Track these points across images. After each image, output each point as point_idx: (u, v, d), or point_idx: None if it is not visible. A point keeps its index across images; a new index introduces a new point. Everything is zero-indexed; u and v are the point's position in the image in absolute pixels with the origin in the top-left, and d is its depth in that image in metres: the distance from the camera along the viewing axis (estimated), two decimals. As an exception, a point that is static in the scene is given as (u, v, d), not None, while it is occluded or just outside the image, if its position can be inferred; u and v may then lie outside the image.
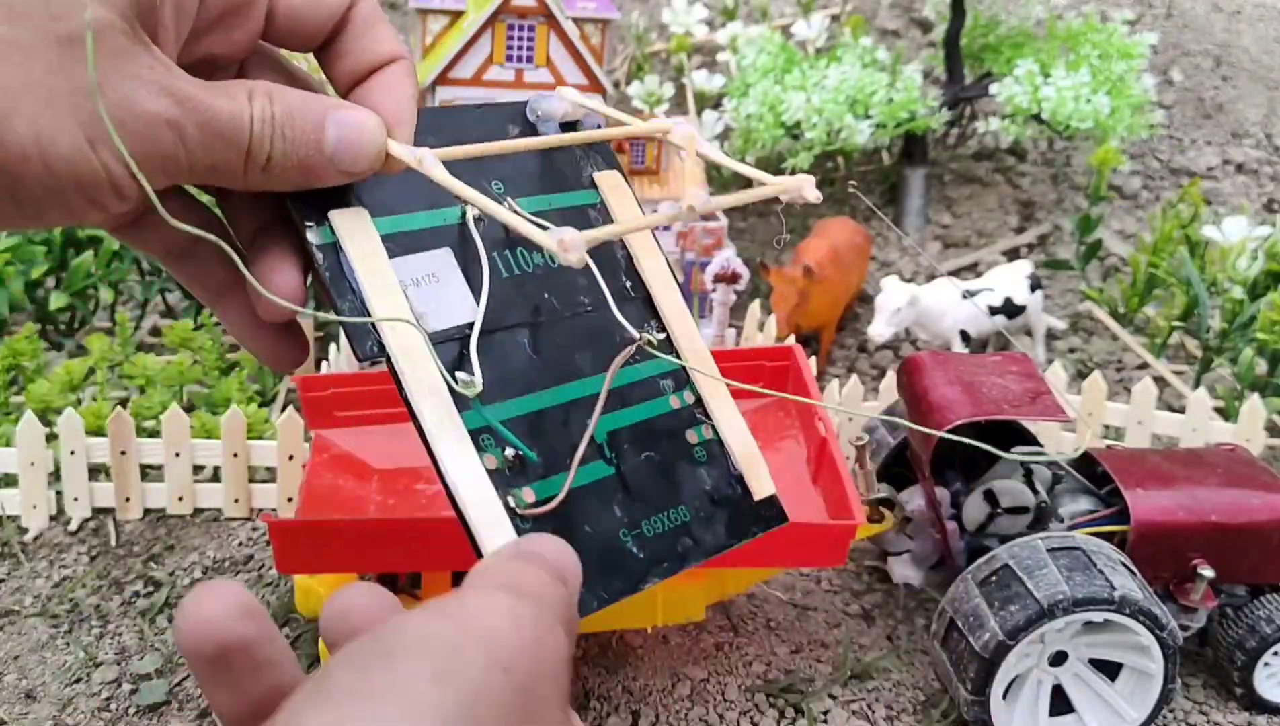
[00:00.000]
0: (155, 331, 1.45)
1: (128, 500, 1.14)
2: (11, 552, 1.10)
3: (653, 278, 0.48)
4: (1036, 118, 1.61)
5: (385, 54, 0.44)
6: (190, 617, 0.30)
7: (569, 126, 0.50)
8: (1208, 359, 1.38)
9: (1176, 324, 1.43)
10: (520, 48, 1.32)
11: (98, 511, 1.15)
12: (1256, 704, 0.98)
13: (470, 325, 0.42)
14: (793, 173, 1.73)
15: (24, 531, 1.13)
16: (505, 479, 0.40)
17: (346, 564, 0.91)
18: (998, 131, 1.66)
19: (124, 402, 1.20)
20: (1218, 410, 1.27)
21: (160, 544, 1.12)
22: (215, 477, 1.16)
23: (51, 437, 1.14)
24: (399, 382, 0.40)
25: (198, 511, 1.16)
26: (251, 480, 1.15)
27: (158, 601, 1.05)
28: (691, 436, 0.46)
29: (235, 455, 1.13)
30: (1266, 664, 0.96)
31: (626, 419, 0.45)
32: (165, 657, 0.99)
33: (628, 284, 0.48)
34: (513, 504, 0.40)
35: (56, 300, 1.34)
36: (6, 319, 1.33)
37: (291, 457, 1.12)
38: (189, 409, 1.23)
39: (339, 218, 0.42)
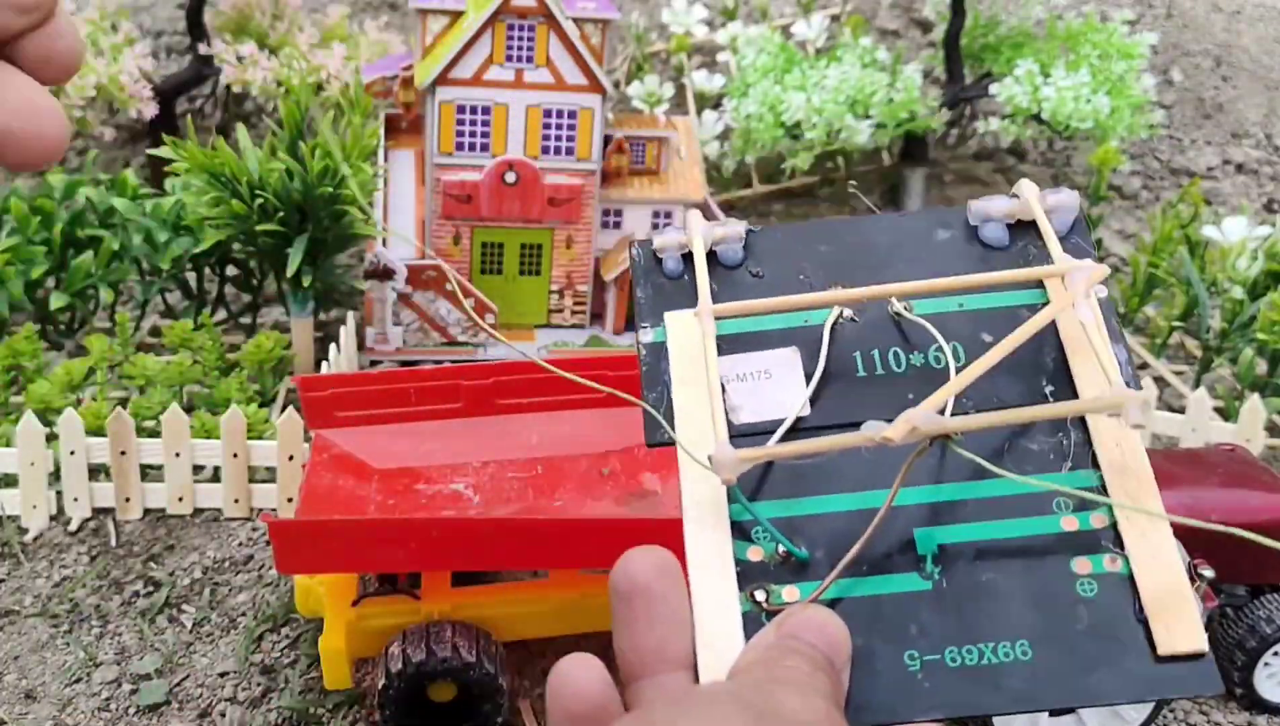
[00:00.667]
0: (155, 331, 1.45)
1: (128, 500, 1.14)
2: (11, 552, 1.11)
3: (1086, 383, 0.41)
4: (1036, 118, 1.60)
5: None
6: (624, 561, 0.37)
7: (1022, 227, 0.44)
8: (1208, 359, 1.38)
9: (1176, 324, 1.43)
10: (520, 48, 1.32)
11: (98, 511, 1.15)
12: (1256, 704, 0.98)
13: (793, 419, 0.41)
14: (792, 174, 1.73)
15: (24, 531, 1.13)
16: (767, 573, 0.38)
17: (346, 564, 0.91)
18: (998, 131, 1.66)
19: (124, 402, 1.20)
20: (1218, 410, 1.27)
21: (160, 544, 1.12)
22: (215, 477, 1.16)
23: (51, 437, 1.14)
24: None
25: (198, 511, 1.16)
26: (251, 480, 1.15)
27: (158, 601, 1.05)
28: (1082, 565, 0.38)
29: (235, 455, 1.13)
30: (1266, 664, 0.96)
31: (978, 533, 0.39)
32: (165, 657, 0.99)
33: (1049, 389, 0.41)
34: (763, 598, 0.38)
35: (56, 300, 1.34)
36: (7, 319, 1.33)
37: (291, 457, 1.12)
38: (189, 409, 1.23)
39: (673, 318, 0.43)
